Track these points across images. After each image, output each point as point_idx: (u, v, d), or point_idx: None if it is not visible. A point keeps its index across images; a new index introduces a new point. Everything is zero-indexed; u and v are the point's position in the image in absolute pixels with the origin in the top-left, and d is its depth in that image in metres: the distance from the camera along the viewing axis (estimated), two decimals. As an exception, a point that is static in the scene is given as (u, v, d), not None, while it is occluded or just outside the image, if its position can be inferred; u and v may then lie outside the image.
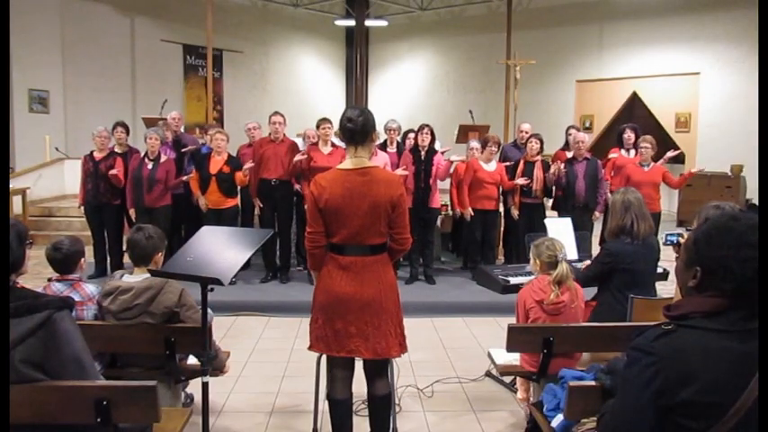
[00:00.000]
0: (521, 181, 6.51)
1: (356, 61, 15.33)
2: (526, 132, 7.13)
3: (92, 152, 6.64)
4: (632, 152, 6.86)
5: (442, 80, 15.32)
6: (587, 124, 12.83)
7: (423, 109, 14.77)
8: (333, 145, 6.33)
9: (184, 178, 6.39)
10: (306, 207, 2.86)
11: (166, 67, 12.93)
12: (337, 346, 2.82)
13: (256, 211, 6.61)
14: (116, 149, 6.67)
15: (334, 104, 15.79)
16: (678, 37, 11.71)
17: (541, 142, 6.62)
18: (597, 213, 6.51)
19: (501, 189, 6.86)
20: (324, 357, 3.02)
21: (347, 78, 16.48)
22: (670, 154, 6.58)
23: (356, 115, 2.79)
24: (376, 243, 2.82)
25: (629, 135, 6.98)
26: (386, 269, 2.88)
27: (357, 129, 2.77)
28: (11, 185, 8.25)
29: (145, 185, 6.25)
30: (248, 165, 6.27)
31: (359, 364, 2.99)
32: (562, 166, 6.41)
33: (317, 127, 6.39)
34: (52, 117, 11.10)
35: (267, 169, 6.32)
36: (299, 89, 15.38)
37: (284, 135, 6.45)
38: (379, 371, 2.97)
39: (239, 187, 6.49)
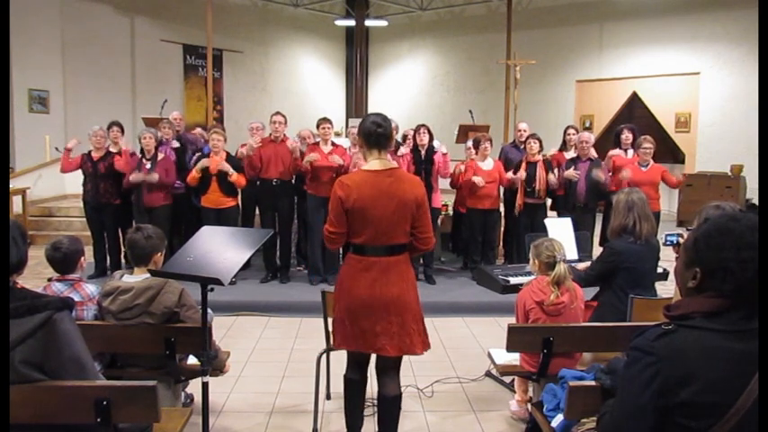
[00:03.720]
0: (510, 174, 6.53)
1: (356, 61, 15.32)
2: (524, 131, 7.13)
3: (89, 152, 6.63)
4: (630, 152, 6.85)
5: (442, 80, 15.31)
6: (587, 124, 12.82)
7: (423, 109, 14.78)
8: (333, 144, 6.34)
9: (192, 173, 6.30)
10: (329, 207, 2.90)
11: (166, 67, 12.92)
12: (365, 344, 2.89)
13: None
14: (111, 149, 6.65)
15: (334, 104, 15.81)
16: (678, 37, 11.71)
17: (540, 142, 6.62)
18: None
19: (501, 188, 6.85)
20: (324, 357, 3.02)
21: (347, 78, 16.46)
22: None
23: (383, 120, 2.89)
24: (399, 243, 2.88)
25: (626, 135, 6.98)
26: (407, 268, 2.95)
27: (386, 134, 2.88)
28: (11, 185, 8.24)
29: (144, 185, 6.25)
30: (251, 142, 6.28)
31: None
32: (572, 169, 6.42)
33: (317, 127, 6.40)
34: (52, 117, 11.09)
35: (268, 169, 6.33)
36: (299, 89, 15.37)
37: (285, 135, 6.46)
38: (392, 371, 3.01)
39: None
